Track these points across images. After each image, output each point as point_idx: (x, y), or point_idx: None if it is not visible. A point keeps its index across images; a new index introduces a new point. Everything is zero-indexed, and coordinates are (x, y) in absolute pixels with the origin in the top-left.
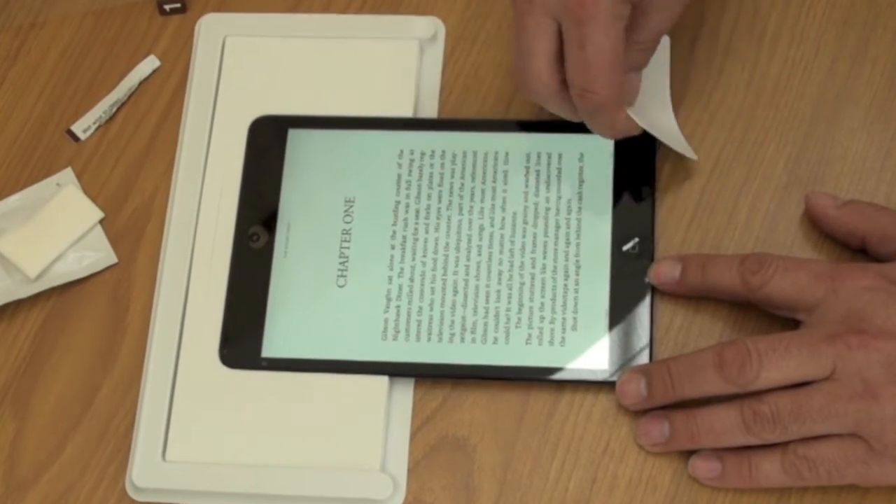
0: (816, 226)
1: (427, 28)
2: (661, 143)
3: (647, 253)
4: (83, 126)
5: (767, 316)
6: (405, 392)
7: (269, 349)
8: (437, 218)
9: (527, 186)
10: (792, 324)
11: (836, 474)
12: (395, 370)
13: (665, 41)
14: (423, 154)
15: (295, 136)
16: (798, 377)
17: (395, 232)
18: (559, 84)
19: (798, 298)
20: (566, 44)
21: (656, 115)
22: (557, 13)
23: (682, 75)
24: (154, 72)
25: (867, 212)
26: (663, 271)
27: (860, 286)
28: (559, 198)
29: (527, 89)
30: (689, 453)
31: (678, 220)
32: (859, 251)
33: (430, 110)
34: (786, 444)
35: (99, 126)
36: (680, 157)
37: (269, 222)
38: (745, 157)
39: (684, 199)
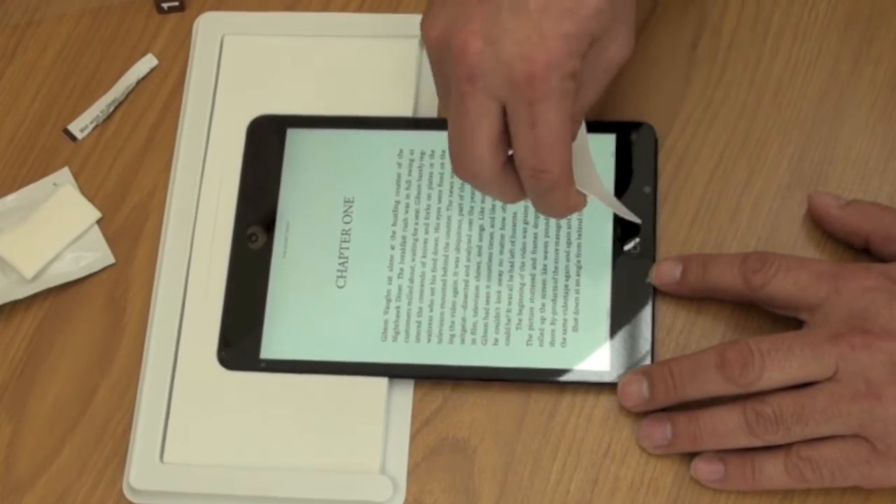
0: (819, 226)
1: None
2: (663, 141)
3: (648, 252)
4: (80, 125)
5: (770, 317)
6: (405, 393)
7: (268, 350)
8: (437, 218)
9: None
10: (795, 324)
11: (839, 476)
12: (394, 371)
13: None
14: (423, 154)
15: (294, 136)
16: (800, 377)
17: (394, 232)
18: (501, 166)
19: (800, 298)
20: (513, 125)
21: (594, 184)
22: (502, 94)
23: (684, 74)
24: (152, 71)
25: (870, 212)
26: (664, 272)
27: (863, 286)
28: None
29: (467, 173)
30: (691, 455)
31: (680, 220)
32: (862, 251)
33: (430, 109)
34: (789, 445)
35: (96, 125)
36: (682, 156)
37: (268, 222)
38: (747, 156)
39: (686, 198)
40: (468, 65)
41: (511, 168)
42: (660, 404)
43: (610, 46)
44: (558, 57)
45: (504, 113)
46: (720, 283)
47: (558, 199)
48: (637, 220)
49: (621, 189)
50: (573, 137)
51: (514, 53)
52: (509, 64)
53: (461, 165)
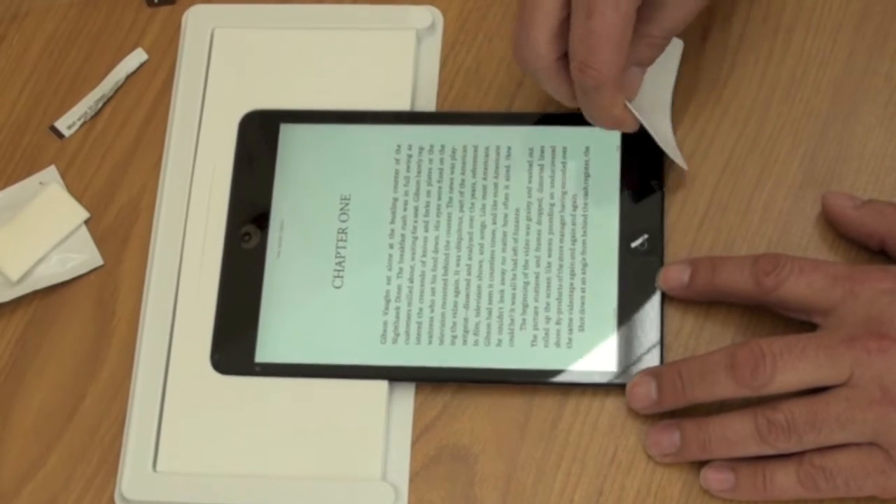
0: (834, 226)
1: (424, 18)
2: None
3: (656, 250)
4: (67, 122)
5: (781, 321)
6: (406, 397)
7: (263, 354)
8: (437, 215)
9: (530, 182)
10: (808, 329)
11: (853, 485)
12: (394, 374)
13: (678, 46)
14: (421, 149)
15: (287, 132)
16: (814, 381)
17: (393, 230)
18: (557, 57)
19: (814, 301)
20: (573, 13)
21: (654, 117)
22: None
23: (692, 69)
24: (141, 66)
25: (887, 212)
26: (672, 275)
27: (880, 289)
28: (564, 193)
29: (522, 59)
30: (700, 464)
31: (689, 219)
32: (878, 253)
33: (428, 103)
34: (801, 454)
35: (84, 122)
36: (691, 154)
37: (262, 221)
38: (758, 154)
39: (695, 198)
40: None
41: (567, 65)
42: (668, 406)
43: None
44: None
45: (569, 6)
46: (730, 286)
47: (602, 102)
48: (685, 167)
49: (628, 183)
50: (650, 60)
51: None
52: None
53: (517, 50)
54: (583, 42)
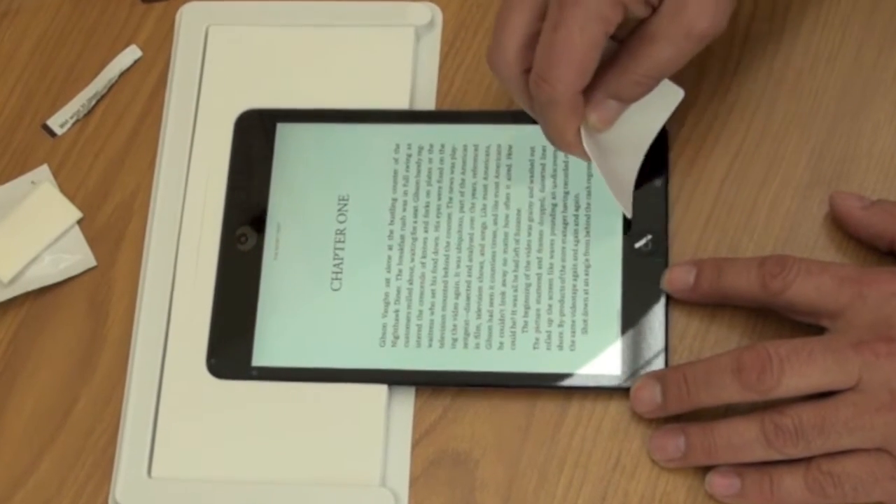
0: (841, 227)
1: (423, 14)
2: (675, 136)
3: (660, 250)
4: (60, 120)
5: (788, 324)
6: (405, 401)
7: (260, 358)
8: (437, 216)
9: (532, 181)
10: (815, 332)
11: (862, 491)
12: (394, 378)
13: (677, 95)
14: (420, 148)
15: (284, 131)
16: (822, 385)
17: (392, 231)
18: (525, 69)
19: (822, 304)
20: (545, 24)
21: (618, 159)
22: None
23: (697, 65)
24: (135, 63)
25: None
26: (677, 277)
27: (889, 291)
28: (566, 193)
29: (492, 64)
30: (705, 469)
31: (694, 219)
32: (887, 254)
33: (428, 102)
34: (809, 459)
35: (77, 120)
36: (696, 153)
37: (258, 223)
38: (764, 152)
39: (700, 197)
40: None
41: None
42: (673, 411)
43: (689, 5)
44: None
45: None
46: (736, 289)
47: (554, 121)
48: (629, 215)
49: None
50: (632, 98)
51: None
52: None
53: (489, 55)
54: (544, 54)
